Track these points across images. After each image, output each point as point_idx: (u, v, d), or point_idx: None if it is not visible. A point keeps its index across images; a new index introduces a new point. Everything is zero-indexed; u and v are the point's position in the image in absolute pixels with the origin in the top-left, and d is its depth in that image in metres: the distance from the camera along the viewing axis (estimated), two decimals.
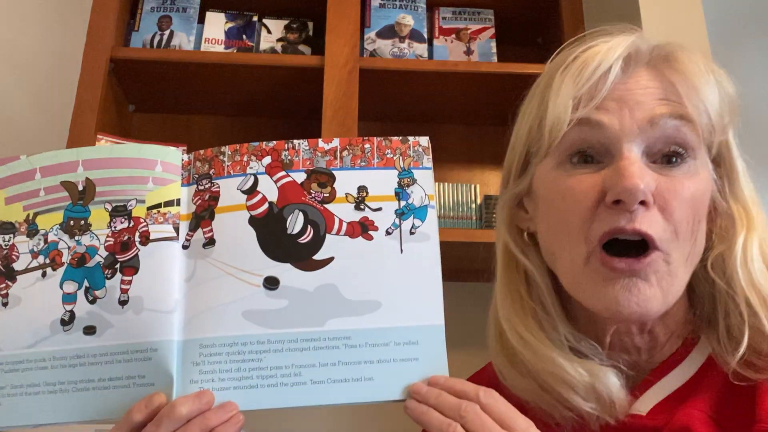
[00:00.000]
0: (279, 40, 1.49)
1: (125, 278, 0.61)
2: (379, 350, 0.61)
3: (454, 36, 1.52)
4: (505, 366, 0.67)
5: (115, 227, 0.63)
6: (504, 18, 1.56)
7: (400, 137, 0.66)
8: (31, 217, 0.64)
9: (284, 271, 0.62)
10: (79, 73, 1.33)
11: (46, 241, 0.64)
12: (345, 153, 0.66)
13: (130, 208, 0.63)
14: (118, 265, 0.62)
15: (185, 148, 1.35)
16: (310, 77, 1.39)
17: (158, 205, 0.64)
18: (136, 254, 0.62)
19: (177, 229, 0.63)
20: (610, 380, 0.60)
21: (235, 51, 1.45)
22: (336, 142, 0.66)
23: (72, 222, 0.64)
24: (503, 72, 1.42)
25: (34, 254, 0.63)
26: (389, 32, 1.48)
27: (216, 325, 0.60)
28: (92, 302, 0.61)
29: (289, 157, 0.66)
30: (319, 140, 0.66)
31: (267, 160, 0.65)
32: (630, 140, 0.59)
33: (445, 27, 1.53)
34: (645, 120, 0.59)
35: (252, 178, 0.65)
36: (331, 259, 0.63)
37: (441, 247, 1.37)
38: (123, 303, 0.61)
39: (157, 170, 0.64)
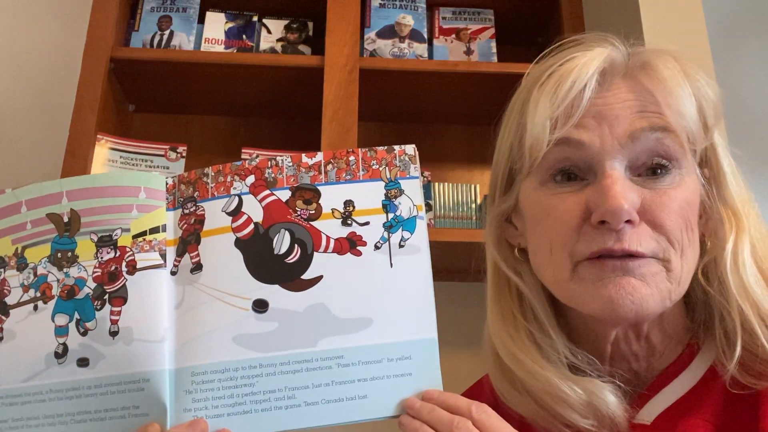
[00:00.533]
0: (279, 40, 1.49)
1: (114, 309, 0.61)
2: (372, 367, 0.60)
3: (454, 36, 1.52)
4: (503, 383, 0.66)
5: (101, 258, 0.62)
6: (504, 18, 1.56)
7: (386, 147, 0.65)
8: (20, 251, 0.64)
9: (273, 293, 0.61)
10: (79, 72, 1.33)
11: (35, 274, 0.63)
12: (329, 167, 0.65)
13: (115, 237, 0.63)
14: (106, 296, 0.61)
15: (185, 147, 1.35)
16: (310, 77, 1.39)
17: (144, 233, 0.63)
18: (124, 284, 0.61)
19: (164, 256, 0.63)
20: (608, 397, 0.59)
21: (235, 51, 1.45)
22: (320, 156, 0.65)
23: (59, 254, 0.63)
24: (503, 72, 1.42)
25: (25, 288, 0.63)
26: (389, 32, 1.49)
27: (207, 352, 0.60)
28: (84, 334, 0.61)
29: (273, 175, 0.64)
30: (303, 155, 0.65)
31: (250, 179, 0.64)
32: (612, 157, 0.58)
33: (445, 27, 1.53)
34: (625, 135, 0.58)
35: (236, 199, 0.64)
36: (320, 277, 0.62)
37: (441, 247, 1.37)
38: (113, 334, 0.61)
39: (141, 197, 0.64)
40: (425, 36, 1.49)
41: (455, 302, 1.51)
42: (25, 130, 1.55)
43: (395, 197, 0.64)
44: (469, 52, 1.51)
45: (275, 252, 0.62)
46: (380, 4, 1.50)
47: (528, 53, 1.65)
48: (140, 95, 1.50)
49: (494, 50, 1.51)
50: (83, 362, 0.60)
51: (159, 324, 0.61)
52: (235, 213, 0.63)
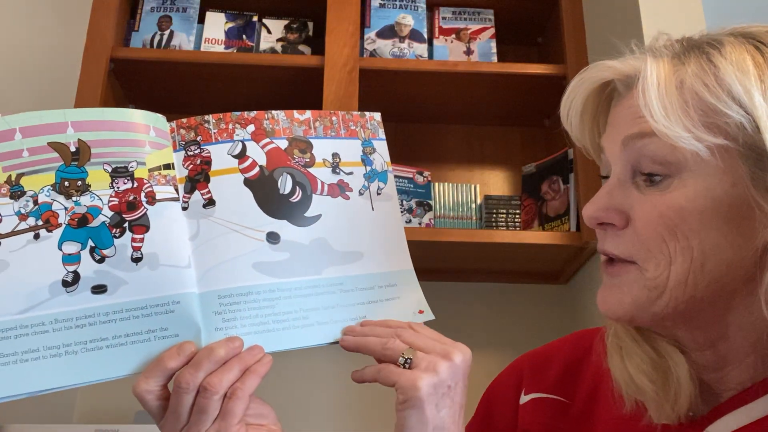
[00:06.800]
0: (279, 40, 1.51)
1: (136, 236, 0.63)
2: (367, 293, 0.71)
3: (454, 36, 1.54)
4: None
5: (118, 187, 0.64)
6: (504, 18, 1.59)
7: (359, 112, 0.77)
8: (13, 179, 0.62)
9: (282, 227, 0.69)
10: (79, 73, 1.35)
11: (36, 202, 0.62)
12: (317, 123, 0.75)
13: (131, 169, 0.66)
14: (126, 224, 0.63)
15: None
16: (310, 77, 1.42)
17: (158, 168, 0.67)
18: (145, 213, 0.64)
19: (177, 191, 0.68)
20: (680, 366, 0.58)
21: (235, 51, 1.47)
22: (308, 114, 0.75)
23: (67, 183, 0.63)
24: (503, 72, 1.45)
25: (23, 216, 0.61)
26: (389, 32, 1.50)
27: (231, 277, 0.66)
28: (100, 261, 0.62)
29: (270, 126, 0.72)
30: (294, 111, 0.74)
31: (251, 127, 0.72)
32: (615, 162, 0.59)
33: (445, 27, 1.54)
34: (619, 143, 0.58)
35: (240, 144, 0.70)
36: (320, 215, 0.71)
37: (441, 247, 1.37)
38: (137, 260, 0.63)
39: (151, 135, 0.68)
40: (425, 36, 1.51)
41: (454, 302, 1.52)
42: None
43: (370, 154, 0.76)
44: (469, 52, 1.52)
45: (281, 192, 0.70)
46: (380, 4, 1.52)
47: (528, 53, 1.67)
48: (140, 95, 1.53)
49: (494, 50, 1.53)
50: (100, 289, 0.61)
51: (184, 250, 0.65)
52: (241, 156, 0.70)
